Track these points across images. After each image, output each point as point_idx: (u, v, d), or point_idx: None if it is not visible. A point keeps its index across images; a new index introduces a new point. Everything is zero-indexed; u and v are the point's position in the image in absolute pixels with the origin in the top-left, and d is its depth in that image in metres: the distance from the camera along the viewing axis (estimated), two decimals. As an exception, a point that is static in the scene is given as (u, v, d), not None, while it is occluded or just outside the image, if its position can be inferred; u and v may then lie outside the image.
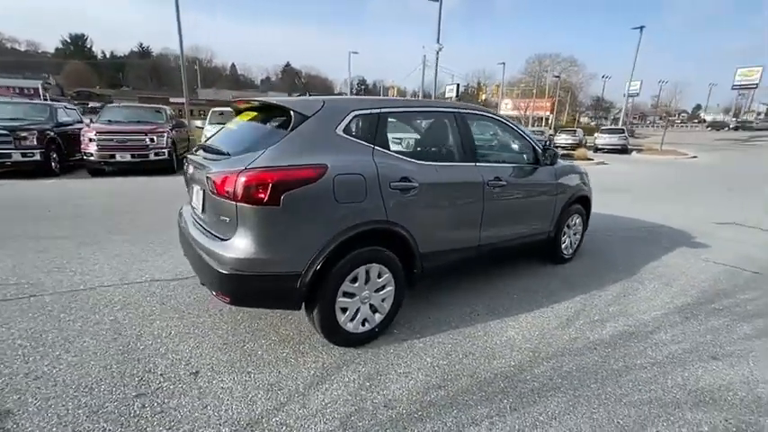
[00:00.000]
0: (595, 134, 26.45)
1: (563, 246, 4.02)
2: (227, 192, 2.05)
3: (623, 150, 22.80)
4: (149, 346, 2.41)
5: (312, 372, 2.23)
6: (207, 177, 2.21)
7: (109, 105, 12.67)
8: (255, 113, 2.57)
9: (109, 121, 9.90)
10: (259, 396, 2.01)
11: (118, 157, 9.08)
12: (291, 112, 2.25)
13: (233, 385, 2.09)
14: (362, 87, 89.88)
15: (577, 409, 2.01)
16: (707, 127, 69.50)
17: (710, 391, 2.19)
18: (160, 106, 11.74)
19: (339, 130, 2.30)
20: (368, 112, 2.45)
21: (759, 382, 2.29)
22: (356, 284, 2.36)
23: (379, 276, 2.46)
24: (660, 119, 72.24)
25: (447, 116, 2.96)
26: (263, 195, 2.00)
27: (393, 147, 2.56)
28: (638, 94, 48.39)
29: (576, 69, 74.46)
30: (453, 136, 2.93)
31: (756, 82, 44.86)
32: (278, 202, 2.02)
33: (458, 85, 39.34)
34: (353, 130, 2.37)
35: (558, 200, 3.73)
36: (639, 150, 23.75)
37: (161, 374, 2.15)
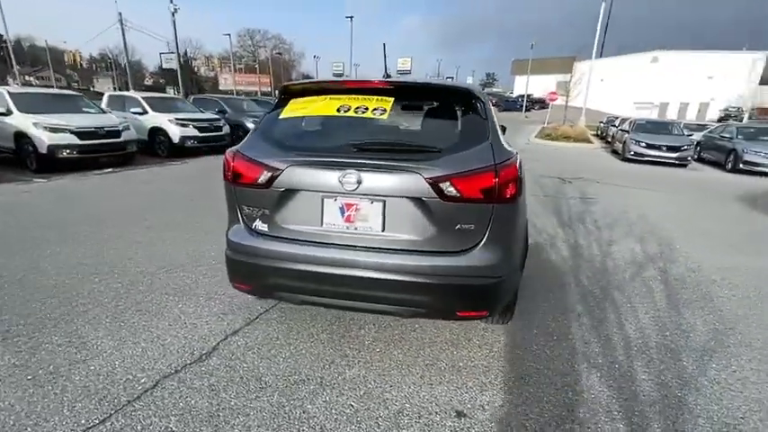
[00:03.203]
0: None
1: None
2: (482, 193, 1.76)
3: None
4: (374, 417, 1.72)
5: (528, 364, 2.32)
6: (431, 181, 1.73)
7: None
8: (387, 98, 2.00)
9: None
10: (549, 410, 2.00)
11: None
12: (473, 99, 2.03)
13: (515, 402, 1.94)
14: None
15: (642, 306, 3.11)
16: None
17: (661, 258, 3.85)
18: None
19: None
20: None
21: (670, 245, 4.18)
22: None
23: None
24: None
25: None
26: (514, 190, 1.85)
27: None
28: (342, 74, 57.82)
29: (286, 47, 79.05)
30: None
31: (409, 68, 63.23)
32: (521, 194, 1.93)
33: (178, 54, 34.00)
34: None
35: None
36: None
37: (438, 439, 1.68)
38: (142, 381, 1.99)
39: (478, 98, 2.07)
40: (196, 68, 64.55)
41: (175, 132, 9.63)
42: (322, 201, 1.88)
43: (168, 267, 3.36)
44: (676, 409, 1.90)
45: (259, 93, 50.96)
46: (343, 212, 1.88)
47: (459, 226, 1.81)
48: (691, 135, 13.39)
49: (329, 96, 2.10)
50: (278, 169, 1.88)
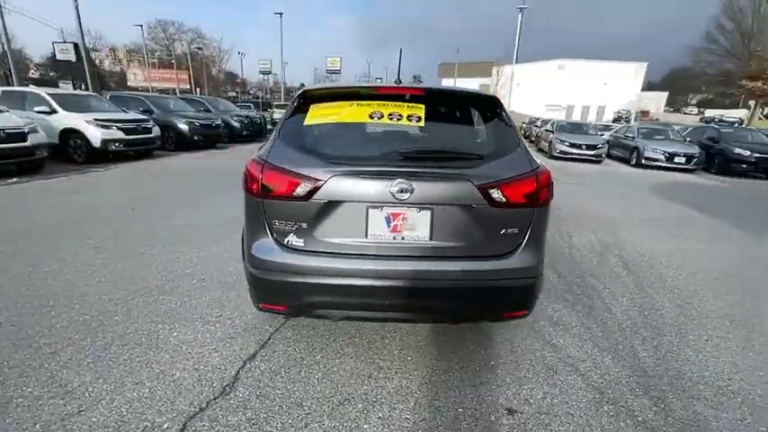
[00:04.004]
0: (271, 109, 28.49)
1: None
2: (526, 198, 1.84)
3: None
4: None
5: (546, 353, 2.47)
6: (481, 188, 1.76)
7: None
8: (418, 105, 1.98)
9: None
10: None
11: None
12: (497, 107, 2.10)
13: (553, 392, 2.05)
14: None
15: (618, 291, 3.50)
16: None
17: (615, 246, 4.31)
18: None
19: None
20: None
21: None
22: None
23: None
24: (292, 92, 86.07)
25: None
26: (547, 194, 1.96)
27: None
28: (270, 72, 55.43)
29: (206, 43, 73.44)
30: None
31: (339, 68, 62.98)
32: (552, 198, 2.04)
33: (76, 44, 29.72)
34: None
35: None
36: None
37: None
38: (165, 426, 1.73)
39: (502, 106, 2.15)
40: (98, 61, 56.94)
41: (96, 135, 8.50)
42: (367, 211, 1.81)
43: (141, 291, 2.96)
44: (680, 380, 2.18)
45: (177, 90, 46.65)
46: (389, 222, 1.82)
47: (504, 230, 1.87)
48: (603, 135, 15.26)
49: (356, 102, 2.03)
50: (320, 180, 1.77)
